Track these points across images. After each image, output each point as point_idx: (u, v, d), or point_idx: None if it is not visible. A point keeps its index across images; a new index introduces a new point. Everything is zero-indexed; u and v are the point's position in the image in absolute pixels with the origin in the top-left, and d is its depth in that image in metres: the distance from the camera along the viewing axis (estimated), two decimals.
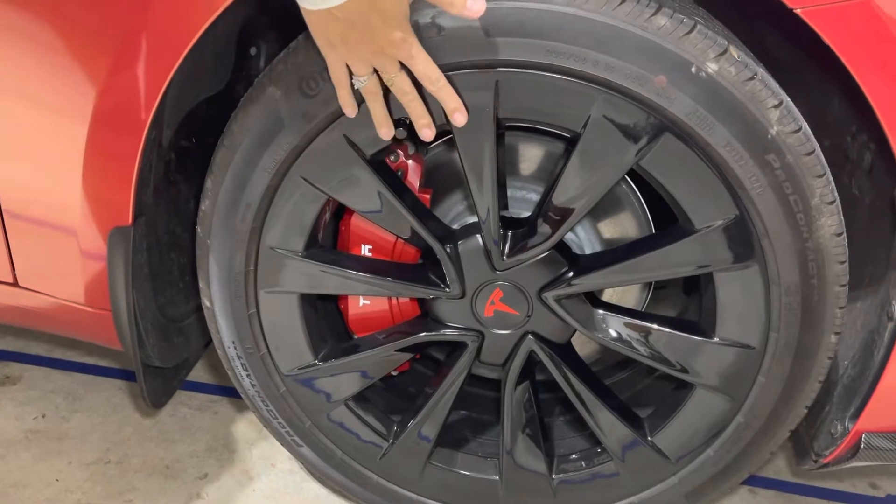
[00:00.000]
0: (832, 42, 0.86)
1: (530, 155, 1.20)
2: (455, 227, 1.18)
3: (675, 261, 1.03)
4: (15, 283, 1.23)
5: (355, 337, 1.25)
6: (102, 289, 1.17)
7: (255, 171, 1.04)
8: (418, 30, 0.92)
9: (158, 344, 1.27)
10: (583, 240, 1.21)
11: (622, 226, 1.20)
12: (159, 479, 1.39)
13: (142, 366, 1.25)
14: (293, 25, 1.24)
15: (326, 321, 1.24)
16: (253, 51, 1.30)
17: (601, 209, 1.20)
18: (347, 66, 0.89)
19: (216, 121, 1.15)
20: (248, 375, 1.20)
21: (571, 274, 1.09)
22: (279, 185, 1.04)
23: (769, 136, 0.92)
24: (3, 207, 1.14)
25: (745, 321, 1.04)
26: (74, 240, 1.14)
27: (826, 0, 0.85)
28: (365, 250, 1.18)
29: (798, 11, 0.86)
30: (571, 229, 1.06)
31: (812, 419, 1.21)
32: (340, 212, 1.22)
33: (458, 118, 0.93)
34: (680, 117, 0.92)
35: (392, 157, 1.13)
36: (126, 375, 1.63)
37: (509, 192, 1.19)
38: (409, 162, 1.14)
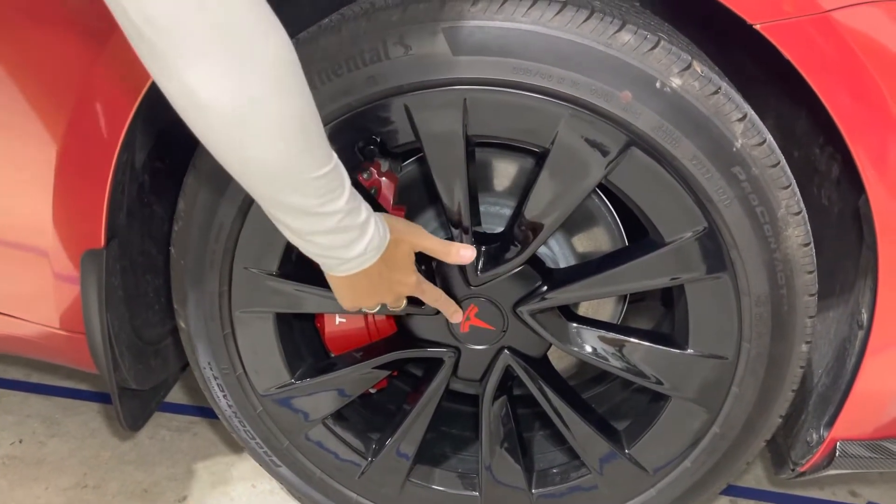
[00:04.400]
0: (792, 57, 0.88)
1: (502, 170, 1.20)
2: None
3: (646, 273, 1.04)
4: None
5: (332, 355, 1.24)
6: (76, 312, 1.17)
7: (227, 191, 1.04)
8: (386, 49, 0.93)
9: (134, 366, 1.26)
10: (557, 254, 1.22)
11: (595, 239, 1.21)
12: (138, 503, 1.38)
13: (118, 389, 1.24)
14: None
15: (303, 340, 1.24)
16: None
17: (574, 223, 1.20)
18: None
19: (189, 141, 1.16)
20: (224, 396, 1.20)
21: (545, 288, 1.10)
22: (251, 205, 1.05)
23: (734, 149, 0.94)
24: None
25: (717, 332, 1.05)
26: (47, 263, 1.13)
27: (784, 15, 0.86)
28: None
29: (757, 27, 0.87)
30: (544, 243, 1.07)
31: (789, 428, 1.22)
32: None
33: (457, 316, 1.08)
34: (646, 132, 0.93)
35: (365, 175, 1.13)
36: (104, 398, 1.62)
37: (482, 208, 1.20)
38: (383, 179, 1.14)
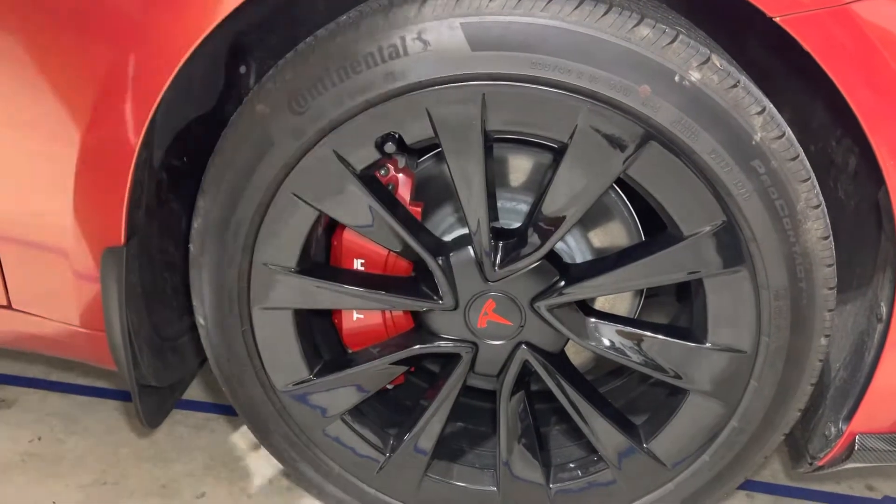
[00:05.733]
0: (812, 49, 0.88)
1: (519, 165, 1.21)
2: (446, 238, 1.19)
3: (664, 268, 1.04)
4: (9, 306, 1.24)
5: (350, 351, 1.25)
6: (96, 310, 1.18)
7: (247, 189, 1.04)
8: (405, 45, 0.93)
9: (153, 363, 1.27)
10: (573, 249, 1.22)
11: (612, 234, 1.21)
12: (156, 500, 1.39)
13: (137, 386, 1.25)
14: (282, 43, 1.25)
15: (321, 336, 1.25)
16: (242, 69, 1.31)
17: (591, 218, 1.20)
18: None
19: (207, 139, 1.16)
20: (242, 394, 1.20)
21: (563, 283, 1.10)
22: (270, 202, 1.05)
23: (753, 143, 0.93)
24: None
25: (736, 326, 1.05)
26: (67, 261, 1.14)
27: (803, 8, 0.86)
28: (357, 264, 1.19)
29: (777, 20, 0.87)
30: (562, 239, 1.07)
31: (806, 421, 1.22)
32: (332, 226, 1.22)
33: None
34: (665, 126, 0.93)
35: (382, 172, 1.14)
36: (122, 396, 1.63)
37: (499, 203, 1.20)
38: (400, 175, 1.15)
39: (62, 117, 1.04)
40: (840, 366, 1.18)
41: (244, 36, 1.22)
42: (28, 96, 1.04)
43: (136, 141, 1.04)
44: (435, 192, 1.22)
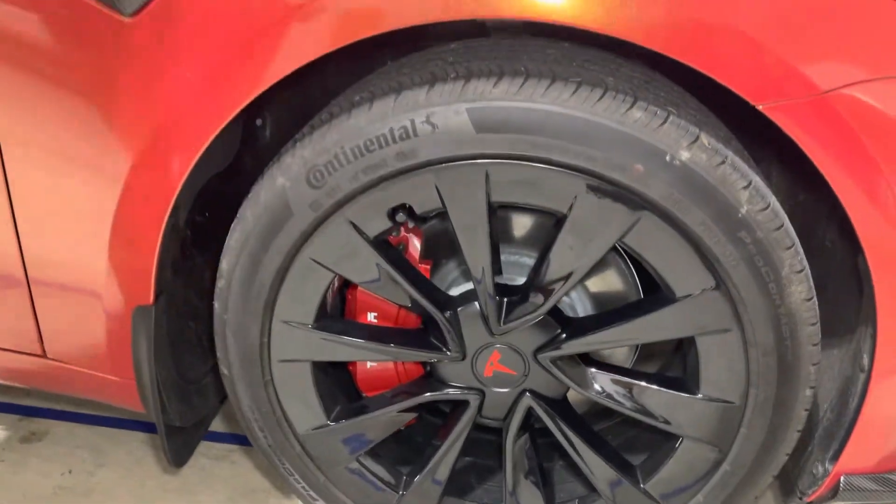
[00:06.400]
0: (793, 135, 0.94)
1: (523, 223, 1.28)
2: (454, 292, 1.26)
3: (658, 327, 1.11)
4: (44, 355, 1.32)
5: (364, 396, 1.33)
6: (126, 360, 1.26)
7: (268, 254, 1.12)
8: (415, 128, 1.00)
9: (179, 406, 1.35)
10: (575, 301, 1.29)
11: (612, 289, 1.28)
12: None
13: (164, 428, 1.33)
14: (295, 96, 1.32)
15: (337, 383, 1.32)
16: (259, 122, 1.39)
17: (592, 273, 1.27)
18: None
19: (226, 192, 1.24)
20: (264, 436, 1.28)
21: (564, 336, 1.17)
22: (289, 266, 1.12)
23: (740, 215, 1.00)
24: (34, 295, 1.23)
25: (726, 379, 1.12)
26: (100, 317, 1.22)
27: (784, 97, 0.93)
28: (371, 317, 1.26)
29: (760, 108, 0.94)
30: (561, 298, 1.14)
31: (797, 459, 1.28)
32: (348, 281, 1.29)
33: None
34: (657, 200, 1.00)
35: (394, 232, 1.21)
36: (146, 427, 1.71)
37: (505, 257, 1.27)
38: (410, 235, 1.22)
39: (98, 188, 1.12)
40: (827, 408, 1.25)
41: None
42: (67, 167, 1.12)
43: (165, 209, 1.12)
44: (443, 246, 1.29)
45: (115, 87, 1.06)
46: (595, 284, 1.28)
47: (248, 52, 1.00)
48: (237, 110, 1.04)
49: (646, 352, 1.36)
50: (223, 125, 1.05)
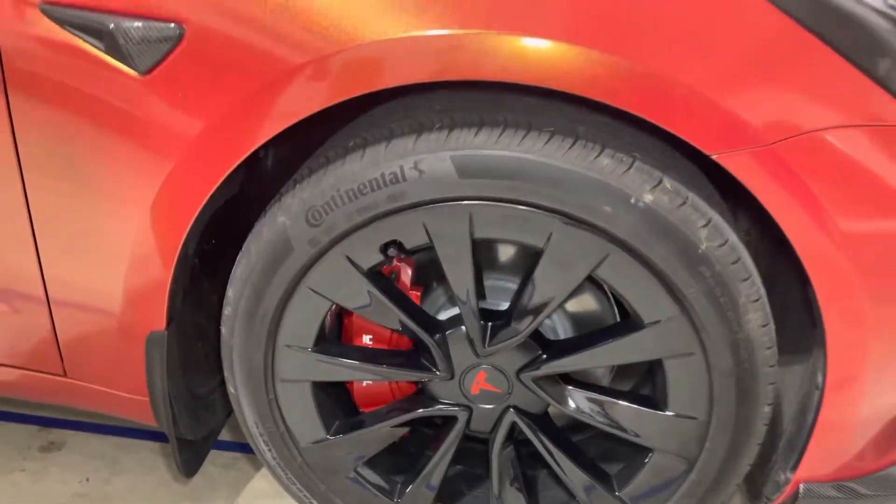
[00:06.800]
0: (745, 182, 1.04)
1: (507, 251, 1.37)
2: (442, 316, 1.36)
3: (628, 350, 1.21)
4: (64, 374, 1.42)
5: (361, 412, 1.43)
6: (140, 379, 1.36)
7: (270, 285, 1.22)
8: (403, 173, 1.10)
9: (189, 421, 1.45)
10: (557, 324, 1.39)
11: (592, 314, 1.38)
12: None
13: (176, 441, 1.43)
14: (295, 128, 1.42)
15: (335, 399, 1.42)
16: (262, 153, 1.49)
17: (573, 300, 1.37)
18: None
19: (231, 220, 1.34)
20: (269, 450, 1.39)
21: (545, 357, 1.27)
22: (291, 296, 1.23)
23: (700, 251, 1.10)
24: (57, 327, 1.34)
25: (691, 398, 1.22)
26: (116, 341, 1.32)
27: (735, 147, 1.02)
28: (366, 339, 1.36)
29: (714, 157, 1.03)
30: (541, 324, 1.24)
31: (762, 467, 1.39)
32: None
33: None
34: (624, 238, 1.10)
35: (386, 264, 1.31)
36: (157, 437, 1.81)
37: (490, 283, 1.37)
38: (402, 265, 1.32)
39: (117, 221, 1.22)
40: (789, 419, 1.35)
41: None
42: (89, 199, 1.22)
43: (177, 244, 1.22)
44: (432, 273, 1.39)
45: (133, 131, 1.15)
46: (575, 309, 1.38)
47: (255, 104, 1.10)
48: (245, 155, 1.14)
49: (622, 370, 1.46)
50: (232, 169, 1.15)
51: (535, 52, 1.01)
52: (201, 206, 1.19)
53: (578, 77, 1.02)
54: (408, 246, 1.18)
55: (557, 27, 1.01)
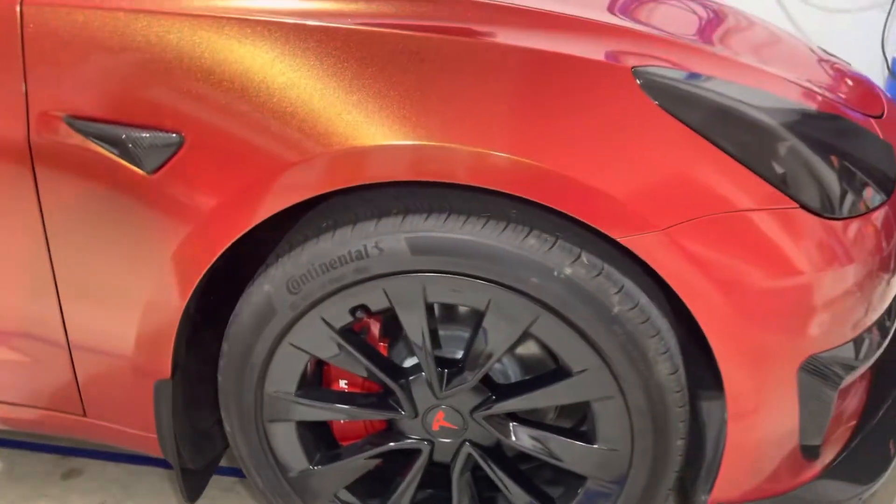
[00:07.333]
0: (648, 260, 1.26)
1: (461, 308, 1.60)
2: (408, 363, 1.58)
3: (561, 394, 1.43)
4: (84, 414, 1.65)
5: (340, 445, 1.65)
6: (150, 418, 1.58)
7: (258, 342, 1.45)
8: (367, 251, 1.33)
9: (192, 452, 1.68)
10: (508, 368, 1.60)
11: (536, 361, 1.59)
12: None
13: (180, 470, 1.65)
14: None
15: (317, 434, 1.64)
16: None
17: (520, 348, 1.59)
18: None
19: (226, 275, 1.56)
20: (260, 477, 1.61)
21: (494, 399, 1.49)
22: (275, 350, 1.45)
23: (613, 314, 1.32)
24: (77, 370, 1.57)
25: (615, 433, 1.43)
26: (130, 387, 1.55)
27: (636, 231, 1.25)
28: (342, 384, 1.59)
29: (620, 240, 1.26)
30: (488, 370, 1.46)
31: (688, 490, 1.60)
32: None
33: None
34: (550, 303, 1.32)
35: (356, 321, 1.53)
36: (165, 464, 2.03)
37: (448, 333, 1.59)
38: (371, 321, 1.54)
39: (132, 278, 1.44)
40: (710, 445, 1.56)
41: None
42: (100, 262, 1.44)
43: (181, 304, 1.45)
44: (398, 327, 1.60)
45: (144, 216, 1.37)
46: (524, 354, 1.60)
47: (245, 195, 1.32)
48: (241, 234, 1.36)
49: (566, 409, 1.68)
50: (228, 245, 1.37)
51: (479, 160, 1.24)
52: (203, 274, 1.42)
53: (510, 179, 1.25)
54: (373, 309, 1.40)
55: (494, 141, 1.24)
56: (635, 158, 1.26)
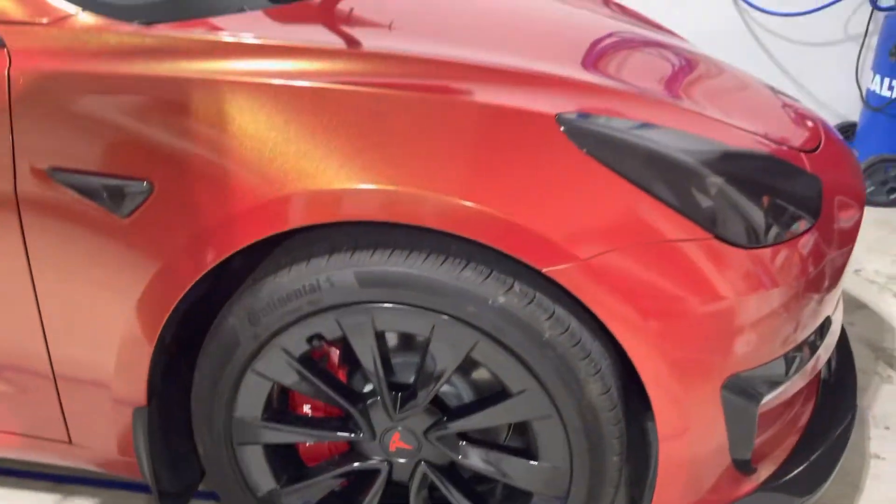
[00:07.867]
0: (570, 289, 1.38)
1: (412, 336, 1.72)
2: (366, 389, 1.70)
3: (504, 413, 1.54)
4: (69, 441, 1.77)
5: (306, 466, 1.76)
6: (129, 444, 1.71)
7: (225, 371, 1.57)
8: (319, 285, 1.46)
9: (170, 476, 1.79)
10: (461, 390, 1.72)
11: (485, 384, 1.71)
12: None
13: (159, 493, 1.77)
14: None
15: (284, 456, 1.76)
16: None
17: (471, 370, 1.71)
18: None
19: (199, 307, 1.69)
20: (231, 498, 1.72)
21: (445, 420, 1.61)
22: (241, 378, 1.58)
23: (544, 339, 1.44)
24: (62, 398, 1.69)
25: (554, 450, 1.54)
26: (109, 414, 1.67)
27: (552, 263, 1.37)
28: (306, 408, 1.71)
29: (544, 271, 1.38)
30: (437, 393, 1.57)
31: (639, 502, 1.70)
32: None
33: None
34: (487, 329, 1.44)
35: (316, 349, 1.65)
36: (146, 489, 2.14)
37: (400, 360, 1.70)
38: (331, 348, 1.67)
39: (110, 311, 1.57)
40: (653, 464, 1.67)
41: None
42: (81, 299, 1.57)
43: (154, 335, 1.57)
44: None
45: (120, 255, 1.51)
46: (475, 377, 1.71)
47: (213, 235, 1.46)
48: (210, 268, 1.49)
49: (519, 428, 1.79)
50: (199, 277, 1.51)
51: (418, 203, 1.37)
52: (173, 306, 1.55)
53: (442, 217, 1.38)
54: (328, 338, 1.53)
55: (434, 183, 1.37)
56: (559, 197, 1.39)
